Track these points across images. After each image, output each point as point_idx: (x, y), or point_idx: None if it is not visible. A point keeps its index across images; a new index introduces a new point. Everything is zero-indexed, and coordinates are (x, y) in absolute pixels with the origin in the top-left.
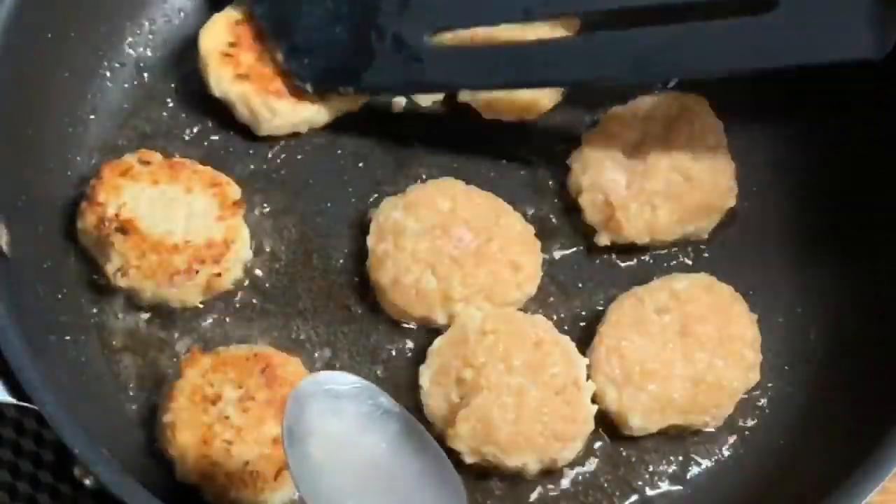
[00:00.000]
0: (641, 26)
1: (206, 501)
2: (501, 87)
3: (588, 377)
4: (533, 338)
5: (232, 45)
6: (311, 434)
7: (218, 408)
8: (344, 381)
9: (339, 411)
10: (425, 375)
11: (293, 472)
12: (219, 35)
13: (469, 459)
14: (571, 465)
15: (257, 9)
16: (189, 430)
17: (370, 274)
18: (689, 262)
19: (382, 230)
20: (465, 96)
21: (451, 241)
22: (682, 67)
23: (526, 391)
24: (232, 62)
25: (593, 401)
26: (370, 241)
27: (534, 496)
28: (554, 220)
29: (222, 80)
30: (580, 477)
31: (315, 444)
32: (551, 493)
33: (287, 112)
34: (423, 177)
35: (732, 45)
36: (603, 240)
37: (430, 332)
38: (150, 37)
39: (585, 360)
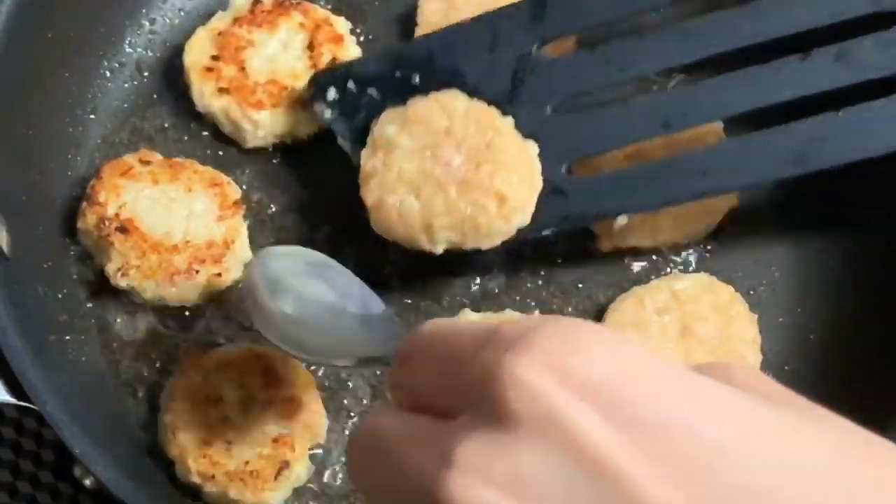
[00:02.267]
0: (787, 121)
1: (206, 502)
2: (656, 207)
3: None
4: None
5: (214, 58)
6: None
7: (219, 409)
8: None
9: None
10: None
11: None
12: (202, 48)
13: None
14: None
15: (338, 127)
16: (189, 431)
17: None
18: (690, 262)
19: (375, 146)
20: None
21: (438, 164)
22: (845, 154)
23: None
24: (213, 76)
25: None
26: (363, 155)
27: None
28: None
29: (204, 95)
30: None
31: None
32: None
33: (269, 123)
34: None
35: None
36: (605, 245)
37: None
38: (150, 37)
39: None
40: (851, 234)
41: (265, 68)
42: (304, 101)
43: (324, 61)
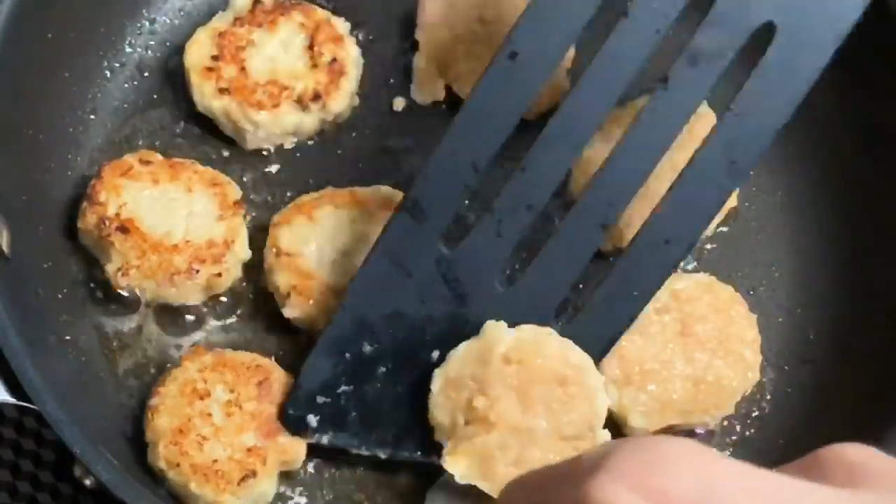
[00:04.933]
0: None
1: (168, 492)
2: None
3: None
4: (559, 375)
5: (214, 58)
6: None
7: (204, 403)
8: None
9: None
10: (438, 381)
11: None
12: (202, 49)
13: (461, 481)
14: None
15: (342, 441)
16: (168, 417)
17: None
18: (689, 263)
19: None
20: (465, 96)
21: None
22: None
23: (535, 436)
24: (214, 76)
25: None
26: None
27: None
28: (555, 219)
29: (205, 96)
30: None
31: None
32: None
33: (269, 123)
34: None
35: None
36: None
37: None
38: (150, 37)
39: (608, 401)
40: (851, 234)
41: (265, 68)
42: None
43: (324, 61)
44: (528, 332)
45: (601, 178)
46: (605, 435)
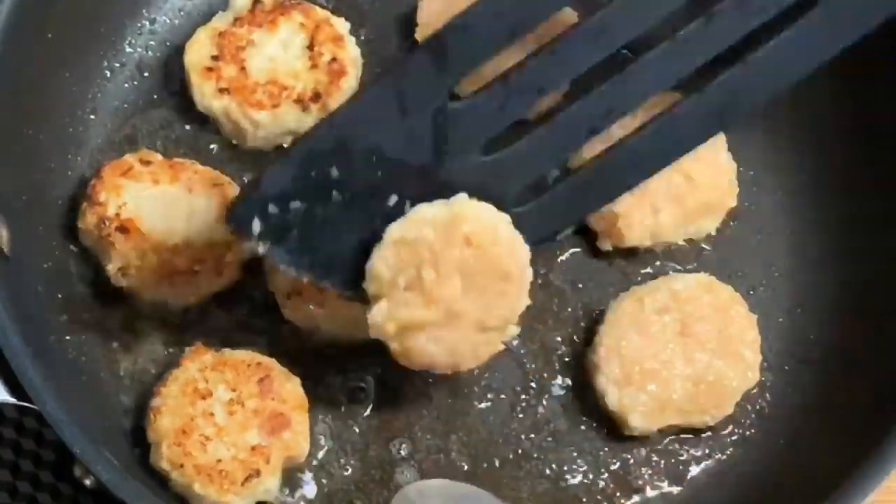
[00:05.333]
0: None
1: (172, 492)
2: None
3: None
4: (504, 270)
5: (214, 58)
6: None
7: (206, 403)
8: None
9: None
10: (392, 234)
11: None
12: (202, 49)
13: (373, 335)
14: (573, 466)
15: (277, 255)
16: (171, 417)
17: None
18: (690, 263)
19: None
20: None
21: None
22: (763, 94)
23: (461, 321)
24: (214, 76)
25: (595, 398)
26: None
27: (533, 498)
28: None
29: (205, 96)
30: (581, 478)
31: None
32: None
33: (269, 123)
34: None
35: (789, 57)
36: (605, 245)
37: None
38: (150, 37)
39: (528, 302)
40: (851, 234)
41: (265, 68)
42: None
43: (324, 61)
44: (490, 215)
45: (614, 80)
46: (516, 330)
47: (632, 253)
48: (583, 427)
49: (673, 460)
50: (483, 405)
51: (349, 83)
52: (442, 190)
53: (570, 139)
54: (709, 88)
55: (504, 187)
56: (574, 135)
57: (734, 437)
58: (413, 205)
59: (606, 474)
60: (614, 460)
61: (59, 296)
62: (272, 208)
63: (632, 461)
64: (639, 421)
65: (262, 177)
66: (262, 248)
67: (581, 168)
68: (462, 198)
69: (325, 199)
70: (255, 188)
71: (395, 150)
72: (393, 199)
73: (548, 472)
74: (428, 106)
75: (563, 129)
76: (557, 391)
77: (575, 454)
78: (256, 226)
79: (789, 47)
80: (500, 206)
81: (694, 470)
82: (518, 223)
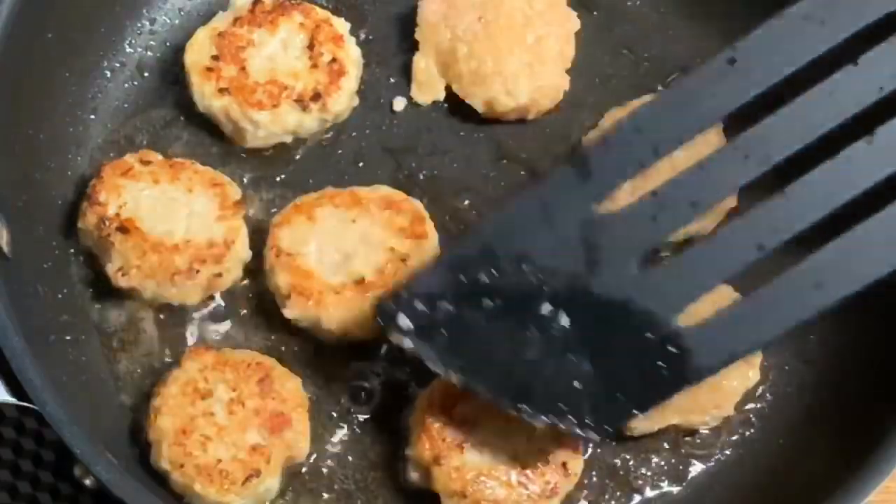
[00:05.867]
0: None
1: (171, 491)
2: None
3: None
4: None
5: (214, 58)
6: None
7: (206, 403)
8: None
9: None
10: None
11: None
12: (202, 49)
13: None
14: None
15: (424, 353)
16: (171, 417)
17: None
18: None
19: None
20: (465, 96)
21: None
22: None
23: None
24: (214, 76)
25: None
26: None
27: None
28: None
29: (205, 96)
30: (581, 477)
31: None
32: None
33: (269, 123)
34: (422, 176)
35: None
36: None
37: None
38: (151, 37)
39: None
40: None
41: (265, 68)
42: (380, 330)
43: (324, 61)
44: None
45: (775, 201)
46: None
47: None
48: None
49: (673, 460)
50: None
51: (349, 83)
52: (597, 301)
53: (738, 256)
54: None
55: (665, 304)
56: (741, 252)
57: (734, 437)
58: (568, 314)
59: (607, 474)
60: (614, 460)
61: (59, 296)
62: (420, 306)
63: (632, 461)
64: (639, 421)
65: (411, 277)
66: (407, 343)
67: (759, 290)
68: None
69: (476, 303)
70: (404, 287)
71: (544, 257)
72: (546, 308)
73: None
74: (574, 218)
75: (725, 245)
76: None
77: None
78: (403, 320)
79: None
80: (659, 320)
81: (694, 470)
82: (685, 344)
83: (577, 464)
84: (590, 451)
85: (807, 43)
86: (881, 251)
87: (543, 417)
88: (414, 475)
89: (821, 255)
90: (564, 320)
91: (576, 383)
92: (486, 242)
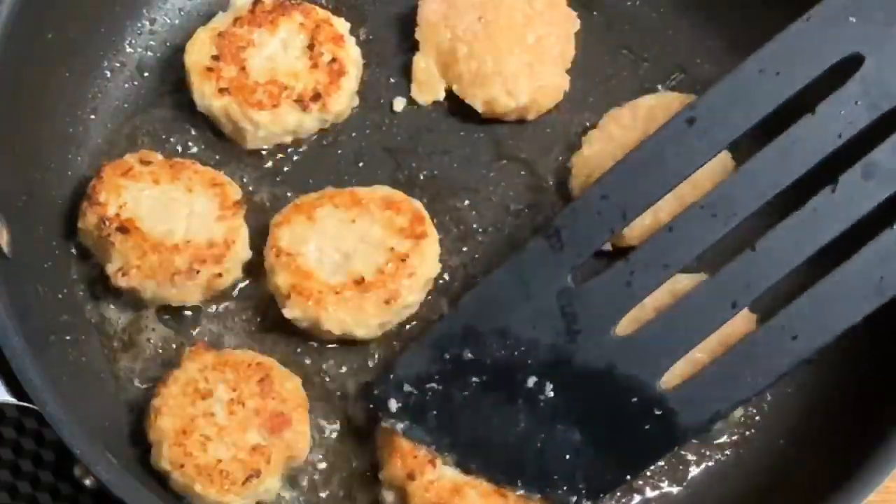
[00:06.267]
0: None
1: (172, 492)
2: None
3: None
4: None
5: (215, 58)
6: None
7: (207, 403)
8: None
9: None
10: None
11: None
12: (202, 49)
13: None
14: None
15: (415, 434)
16: (172, 417)
17: None
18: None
19: None
20: (465, 96)
21: None
22: None
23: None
24: (214, 76)
25: None
26: None
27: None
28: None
29: (205, 96)
30: None
31: None
32: None
33: (269, 123)
34: (422, 176)
35: None
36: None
37: None
38: (150, 37)
39: None
40: (850, 234)
41: (265, 68)
42: (369, 413)
43: (324, 61)
44: None
45: (746, 258)
46: None
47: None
48: None
49: (673, 460)
50: None
51: (349, 83)
52: (580, 370)
53: (714, 314)
54: (864, 259)
55: (646, 368)
56: (716, 311)
57: (734, 438)
58: (554, 386)
59: None
60: None
61: (59, 296)
62: (408, 388)
63: None
64: None
65: (396, 361)
66: (400, 426)
67: (736, 346)
68: None
69: (462, 381)
70: (390, 372)
71: (524, 331)
72: (532, 381)
73: None
74: (550, 288)
75: (701, 305)
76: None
77: None
78: (393, 405)
79: None
80: (643, 384)
81: (694, 470)
82: (670, 405)
83: None
84: None
85: (764, 97)
86: (853, 298)
87: (538, 493)
88: (389, 498)
89: (794, 307)
90: (550, 391)
91: (567, 454)
92: (467, 319)
